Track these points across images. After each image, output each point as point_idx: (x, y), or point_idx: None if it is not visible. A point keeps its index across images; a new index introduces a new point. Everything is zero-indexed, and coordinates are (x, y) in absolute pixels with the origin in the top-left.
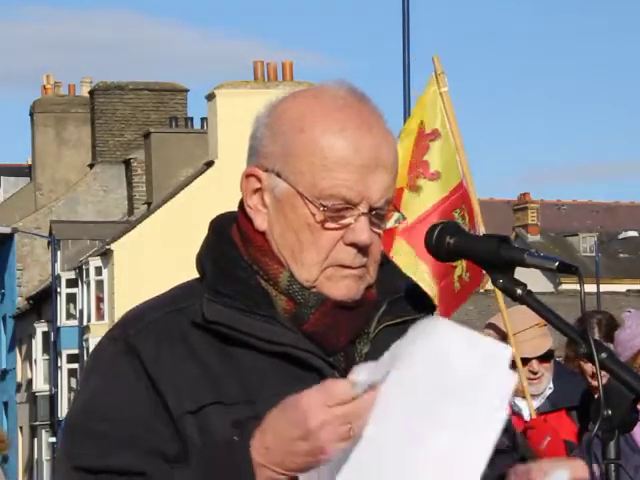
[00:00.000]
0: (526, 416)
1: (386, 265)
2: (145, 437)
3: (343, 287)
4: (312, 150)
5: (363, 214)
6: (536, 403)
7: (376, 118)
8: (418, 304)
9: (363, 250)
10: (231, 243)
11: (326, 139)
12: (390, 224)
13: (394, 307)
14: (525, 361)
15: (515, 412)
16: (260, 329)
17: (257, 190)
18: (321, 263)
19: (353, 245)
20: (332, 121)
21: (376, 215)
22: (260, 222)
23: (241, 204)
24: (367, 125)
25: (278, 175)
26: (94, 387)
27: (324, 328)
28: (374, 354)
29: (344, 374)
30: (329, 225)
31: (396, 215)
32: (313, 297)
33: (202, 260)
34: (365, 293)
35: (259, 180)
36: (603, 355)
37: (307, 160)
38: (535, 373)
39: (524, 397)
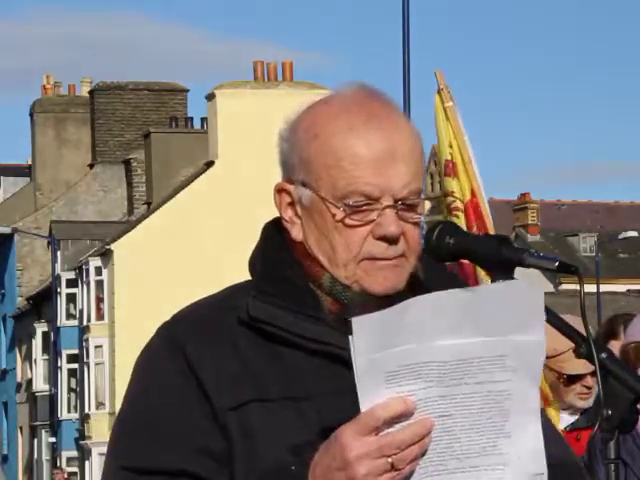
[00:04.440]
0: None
1: (425, 258)
2: (193, 436)
3: (381, 279)
4: (326, 154)
5: (387, 207)
6: (572, 418)
7: (387, 111)
8: None
9: (394, 242)
10: (282, 245)
11: (337, 140)
12: (424, 212)
13: None
14: (578, 377)
15: None
16: (305, 328)
17: (289, 203)
18: (355, 259)
19: (382, 239)
20: (340, 121)
21: (405, 205)
22: (296, 233)
23: None
24: (376, 119)
25: (303, 185)
26: (141, 386)
27: None
28: None
29: None
30: (349, 222)
31: (425, 203)
32: (357, 297)
33: (254, 262)
34: (409, 290)
35: (289, 193)
36: (603, 355)
37: (323, 164)
38: (589, 388)
39: (563, 409)
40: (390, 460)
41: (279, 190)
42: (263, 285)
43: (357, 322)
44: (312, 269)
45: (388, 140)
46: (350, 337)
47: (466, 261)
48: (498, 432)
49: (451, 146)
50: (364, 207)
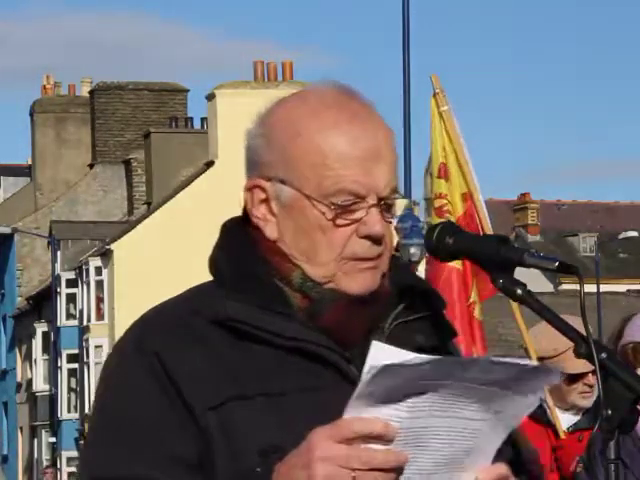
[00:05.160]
0: (560, 433)
1: (393, 257)
2: (167, 443)
3: (360, 280)
4: (311, 151)
5: (373, 205)
6: (575, 418)
7: (367, 110)
8: (429, 301)
9: (378, 241)
10: (245, 243)
11: (322, 138)
12: (400, 212)
13: (408, 303)
14: (580, 376)
15: (549, 425)
16: (277, 325)
17: (263, 200)
18: (337, 259)
19: (367, 237)
20: (325, 119)
21: (385, 205)
22: (270, 232)
23: (246, 211)
24: (359, 118)
25: (282, 182)
26: (112, 392)
27: (339, 323)
28: None
29: (360, 369)
30: (340, 222)
31: (404, 202)
32: (328, 293)
33: (217, 261)
34: (379, 286)
35: (263, 190)
36: (603, 355)
37: (308, 162)
38: (591, 387)
39: (566, 409)
40: (354, 475)
41: (251, 187)
42: (234, 284)
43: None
44: (281, 266)
45: (372, 139)
46: (377, 343)
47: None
48: (456, 467)
49: (444, 149)
50: (352, 206)
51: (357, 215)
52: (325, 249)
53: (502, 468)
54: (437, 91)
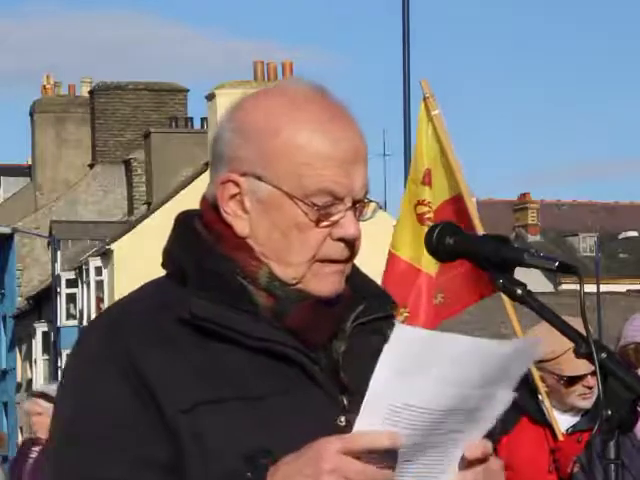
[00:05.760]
0: (558, 435)
1: None
2: (138, 445)
3: (329, 284)
4: (291, 149)
5: (349, 208)
6: (574, 419)
7: (342, 110)
8: (384, 301)
9: (351, 244)
10: (205, 240)
11: (303, 136)
12: (368, 215)
13: (367, 305)
14: (579, 378)
15: (548, 426)
16: (245, 325)
17: (234, 196)
18: (309, 260)
19: (341, 240)
20: (305, 117)
21: (358, 207)
22: (241, 228)
23: (208, 205)
24: (338, 118)
25: (258, 178)
26: (81, 392)
27: (305, 324)
28: (350, 352)
29: (326, 370)
30: (322, 223)
31: (372, 206)
32: (294, 293)
33: (175, 256)
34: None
35: (236, 185)
36: (603, 355)
37: (288, 160)
38: (590, 388)
39: (565, 411)
40: None
41: (223, 181)
42: (200, 282)
43: (399, 329)
44: (247, 263)
45: (352, 140)
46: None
47: (404, 259)
48: (438, 473)
49: (430, 155)
50: (330, 207)
51: (334, 217)
52: (299, 249)
53: (487, 445)
54: (427, 95)
